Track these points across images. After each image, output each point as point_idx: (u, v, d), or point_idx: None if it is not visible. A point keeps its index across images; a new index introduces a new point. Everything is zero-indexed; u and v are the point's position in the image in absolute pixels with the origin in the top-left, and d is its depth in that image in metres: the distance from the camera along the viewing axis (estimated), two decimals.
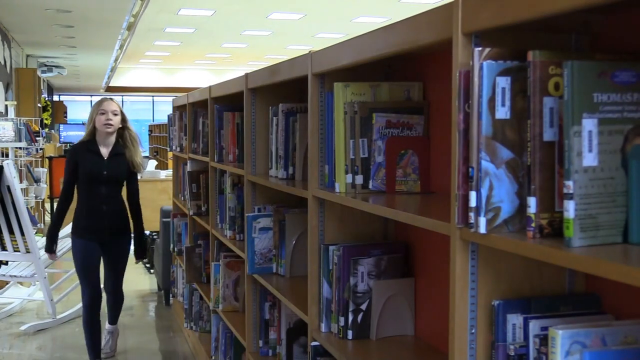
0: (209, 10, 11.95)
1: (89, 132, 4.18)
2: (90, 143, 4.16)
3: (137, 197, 4.40)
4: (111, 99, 4.28)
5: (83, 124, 20.71)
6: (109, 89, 24.70)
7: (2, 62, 11.00)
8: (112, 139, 4.18)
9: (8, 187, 5.03)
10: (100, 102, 4.20)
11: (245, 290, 3.20)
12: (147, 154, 18.79)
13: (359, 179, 2.00)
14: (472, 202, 1.26)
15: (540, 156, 1.19)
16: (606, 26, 1.37)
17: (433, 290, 2.08)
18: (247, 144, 3.10)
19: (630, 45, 1.33)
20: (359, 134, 1.99)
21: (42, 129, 12.17)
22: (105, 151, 4.16)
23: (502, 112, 1.25)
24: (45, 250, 4.46)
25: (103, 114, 4.11)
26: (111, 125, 4.11)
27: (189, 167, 4.68)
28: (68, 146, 16.18)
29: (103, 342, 4.59)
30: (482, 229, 1.25)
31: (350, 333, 2.10)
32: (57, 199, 4.30)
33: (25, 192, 8.47)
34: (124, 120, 4.23)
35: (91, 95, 27.42)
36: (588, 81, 1.10)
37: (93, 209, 4.19)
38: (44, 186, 9.45)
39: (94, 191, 4.17)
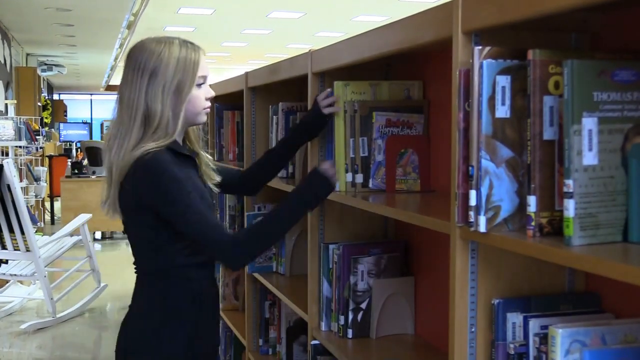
0: (208, 9, 11.94)
1: (173, 127, 1.81)
2: (177, 148, 1.85)
3: None
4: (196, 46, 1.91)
5: (84, 122, 20.63)
6: (109, 87, 24.68)
7: (2, 61, 11.00)
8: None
9: (8, 186, 5.03)
10: (192, 51, 1.87)
11: (245, 289, 3.20)
12: None
13: (359, 178, 2.00)
14: (472, 201, 1.26)
15: (540, 155, 1.18)
16: (606, 25, 1.37)
17: (433, 289, 2.08)
18: (247, 143, 3.10)
19: (630, 44, 1.33)
20: (358, 133, 1.99)
21: (42, 127, 12.18)
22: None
23: (502, 111, 1.25)
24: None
25: (201, 85, 1.87)
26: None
27: None
28: (68, 145, 16.10)
29: None
30: (482, 228, 1.25)
31: (350, 332, 2.10)
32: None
33: (25, 190, 8.48)
34: None
35: (91, 94, 27.38)
36: (588, 80, 1.10)
37: (203, 295, 1.91)
38: (44, 185, 9.46)
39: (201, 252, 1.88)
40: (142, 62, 1.80)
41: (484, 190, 1.25)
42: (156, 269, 1.86)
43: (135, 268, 1.93)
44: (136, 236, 1.88)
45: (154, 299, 1.87)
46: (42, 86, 16.14)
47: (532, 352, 1.27)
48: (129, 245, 1.94)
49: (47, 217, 10.70)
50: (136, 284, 1.93)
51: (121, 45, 14.43)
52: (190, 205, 1.74)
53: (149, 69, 1.79)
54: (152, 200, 1.77)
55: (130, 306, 1.93)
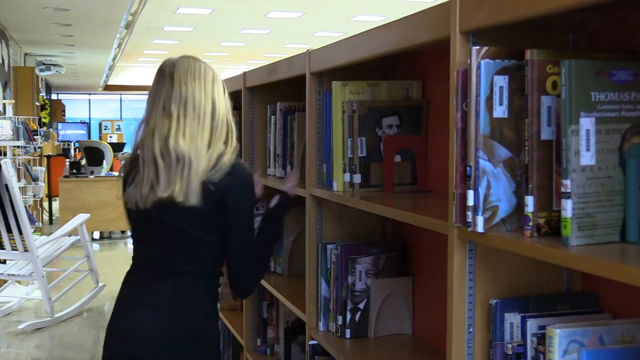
0: (207, 8, 11.93)
1: (233, 134, 1.96)
2: None
3: None
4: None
5: (82, 122, 20.56)
6: (107, 87, 24.66)
7: (0, 61, 10.99)
8: None
9: (6, 186, 5.02)
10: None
11: None
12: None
13: (357, 178, 2.00)
14: (470, 201, 1.26)
15: (537, 155, 1.18)
16: (604, 25, 1.37)
17: (431, 289, 2.08)
18: (245, 143, 3.10)
19: (627, 44, 1.33)
20: (357, 133, 1.99)
21: (40, 127, 12.16)
22: None
23: (500, 111, 1.25)
24: None
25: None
26: None
27: None
28: (66, 145, 16.08)
29: None
30: (480, 228, 1.25)
31: (348, 332, 2.10)
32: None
33: (23, 190, 8.46)
34: None
35: (89, 94, 27.35)
36: (585, 80, 1.10)
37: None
38: (42, 185, 9.44)
39: None
40: (196, 67, 1.91)
41: (481, 191, 1.25)
42: (212, 271, 1.97)
43: (177, 269, 1.92)
44: (204, 237, 1.90)
45: (205, 300, 1.97)
46: (40, 86, 16.12)
47: (529, 353, 1.27)
48: (161, 246, 1.92)
49: (45, 217, 10.69)
50: (182, 285, 1.92)
51: (119, 45, 14.42)
52: (253, 229, 1.96)
53: (210, 74, 1.92)
54: (233, 206, 1.89)
55: (173, 308, 1.91)
